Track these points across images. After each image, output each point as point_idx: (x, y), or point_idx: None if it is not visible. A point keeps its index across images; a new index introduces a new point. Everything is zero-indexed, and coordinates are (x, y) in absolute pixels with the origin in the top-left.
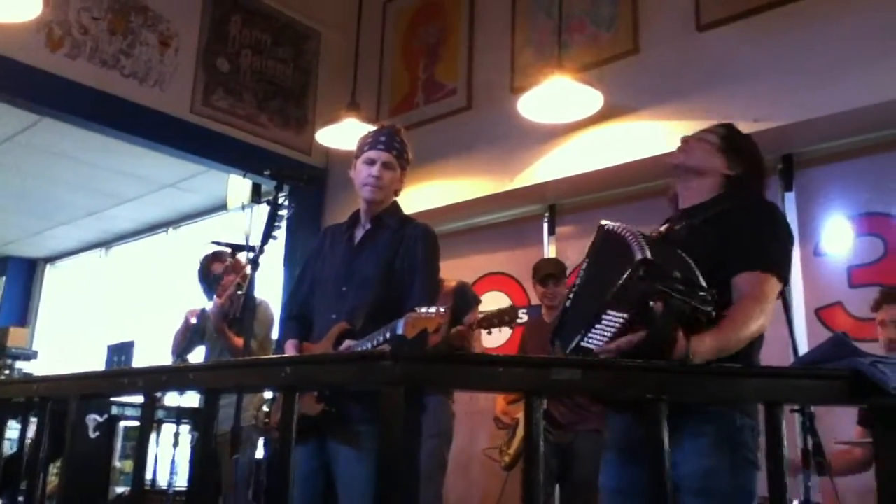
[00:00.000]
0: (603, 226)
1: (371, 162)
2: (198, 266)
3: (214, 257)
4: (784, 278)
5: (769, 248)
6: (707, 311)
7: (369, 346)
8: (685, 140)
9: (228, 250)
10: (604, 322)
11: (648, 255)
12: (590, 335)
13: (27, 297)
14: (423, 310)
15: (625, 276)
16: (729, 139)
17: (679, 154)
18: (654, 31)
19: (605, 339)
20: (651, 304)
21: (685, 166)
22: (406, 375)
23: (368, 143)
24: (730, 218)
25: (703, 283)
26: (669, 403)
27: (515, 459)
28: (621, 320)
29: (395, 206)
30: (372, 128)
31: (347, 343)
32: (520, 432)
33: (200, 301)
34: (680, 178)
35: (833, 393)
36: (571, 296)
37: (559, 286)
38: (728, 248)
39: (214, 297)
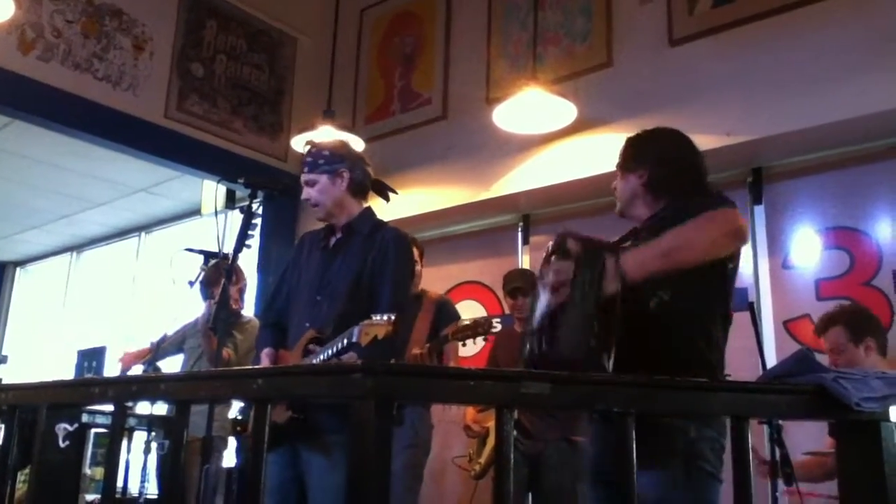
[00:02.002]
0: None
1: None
2: (202, 273)
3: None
4: (731, 202)
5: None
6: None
7: (330, 352)
8: (612, 188)
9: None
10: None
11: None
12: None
13: None
14: (376, 317)
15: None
16: (626, 154)
17: (616, 205)
18: (628, 45)
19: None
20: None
21: (621, 212)
22: (377, 388)
23: None
24: (676, 218)
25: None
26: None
27: (486, 469)
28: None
29: (367, 214)
30: (347, 135)
31: (311, 348)
32: (490, 441)
33: (174, 307)
34: (629, 219)
35: (798, 407)
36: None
37: (528, 297)
38: None
39: (209, 300)
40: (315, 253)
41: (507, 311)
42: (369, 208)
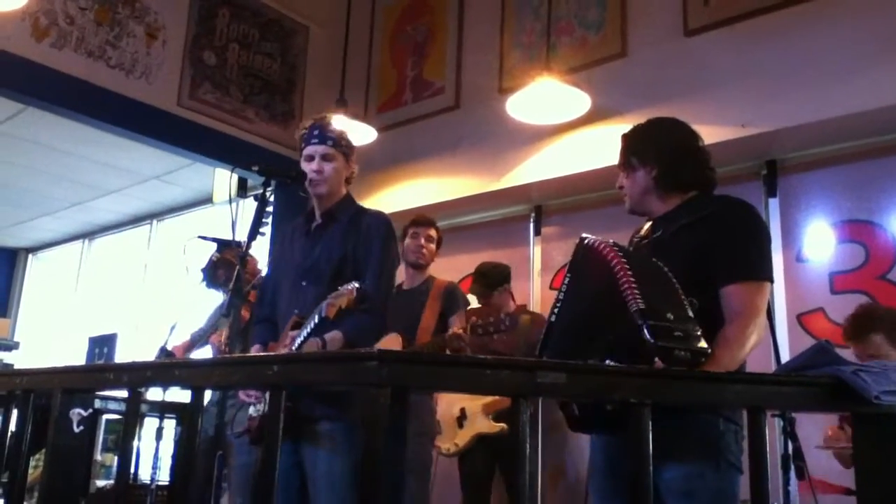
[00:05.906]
0: (583, 240)
1: (310, 158)
2: (207, 261)
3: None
4: (771, 278)
5: (752, 254)
6: (704, 349)
7: (305, 333)
8: (618, 187)
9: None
10: None
11: (641, 304)
12: None
13: (9, 288)
14: (341, 288)
15: (620, 327)
16: (629, 151)
17: (625, 201)
18: (642, 35)
19: None
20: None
21: (632, 209)
22: (392, 377)
23: (304, 139)
24: (708, 223)
25: (691, 312)
26: (654, 408)
27: (462, 450)
28: None
29: (348, 200)
30: (358, 124)
31: (291, 334)
32: (469, 426)
33: (185, 295)
34: (641, 215)
35: (815, 400)
36: (556, 311)
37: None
38: (710, 254)
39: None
40: (298, 239)
41: (518, 301)
42: (349, 195)
